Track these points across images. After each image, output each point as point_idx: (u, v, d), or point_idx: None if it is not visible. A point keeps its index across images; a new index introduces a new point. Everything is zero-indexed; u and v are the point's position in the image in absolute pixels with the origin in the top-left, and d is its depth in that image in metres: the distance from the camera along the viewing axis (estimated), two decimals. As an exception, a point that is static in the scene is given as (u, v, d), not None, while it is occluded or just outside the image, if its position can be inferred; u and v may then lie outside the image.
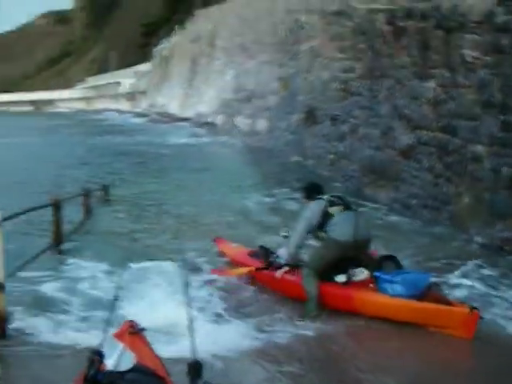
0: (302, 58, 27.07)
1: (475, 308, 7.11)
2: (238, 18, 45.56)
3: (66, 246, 11.85)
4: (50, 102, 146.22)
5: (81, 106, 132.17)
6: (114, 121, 76.26)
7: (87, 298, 8.87)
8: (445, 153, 13.61)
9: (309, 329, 7.59)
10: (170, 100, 71.35)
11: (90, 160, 30.74)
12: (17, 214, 9.03)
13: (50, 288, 9.24)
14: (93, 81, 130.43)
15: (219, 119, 46.28)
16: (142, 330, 5.03)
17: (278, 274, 8.61)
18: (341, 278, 8.05)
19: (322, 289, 8.05)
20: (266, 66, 35.98)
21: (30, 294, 8.94)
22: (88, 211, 14.35)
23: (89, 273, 10.03)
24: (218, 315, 8.05)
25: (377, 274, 7.85)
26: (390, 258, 8.22)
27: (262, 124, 34.32)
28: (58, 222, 10.80)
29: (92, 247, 12.07)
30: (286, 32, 30.95)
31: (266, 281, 9.00)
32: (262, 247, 9.72)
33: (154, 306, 7.74)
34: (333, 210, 8.21)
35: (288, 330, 7.60)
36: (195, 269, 10.00)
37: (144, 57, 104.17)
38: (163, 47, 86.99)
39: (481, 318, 7.18)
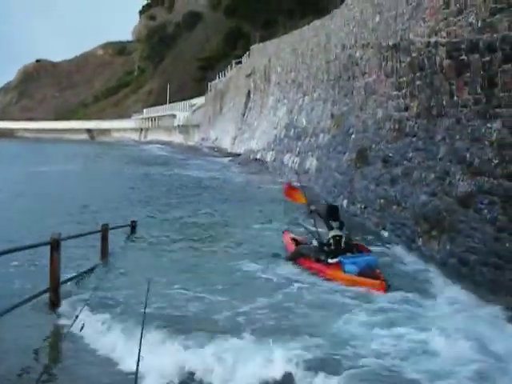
0: (356, 96, 25.64)
1: (384, 281, 12.18)
2: (293, 53, 44.52)
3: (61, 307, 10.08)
4: (105, 131, 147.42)
5: (135, 136, 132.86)
6: (162, 153, 75.97)
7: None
8: (510, 203, 11.89)
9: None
10: (223, 134, 70.66)
11: (130, 192, 29.64)
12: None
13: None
14: (148, 112, 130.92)
15: (269, 156, 45.06)
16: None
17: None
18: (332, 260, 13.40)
19: (315, 265, 13.72)
20: (319, 102, 34.75)
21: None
22: (104, 252, 12.73)
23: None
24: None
25: (341, 258, 13.17)
26: (363, 247, 14.05)
27: (311, 163, 32.94)
28: (54, 267, 9.16)
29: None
30: (341, 68, 29.63)
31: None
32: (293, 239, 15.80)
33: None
34: (332, 224, 13.95)
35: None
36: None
37: (200, 90, 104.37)
38: (218, 81, 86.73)
39: (388, 286, 12.09)
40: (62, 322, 9.41)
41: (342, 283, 12.62)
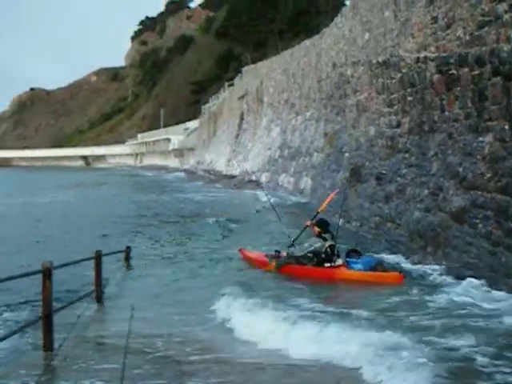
0: (348, 113, 25.57)
1: (401, 272, 13.35)
2: (285, 73, 44.56)
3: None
4: (101, 157, 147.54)
5: (130, 161, 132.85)
6: (157, 177, 75.94)
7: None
8: (504, 217, 11.76)
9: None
10: (217, 157, 70.58)
11: (128, 220, 29.34)
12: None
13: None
14: (143, 137, 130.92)
15: (264, 177, 44.96)
16: None
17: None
18: (337, 262, 14.33)
19: (318, 270, 14.37)
20: (312, 122, 34.70)
21: None
22: (97, 279, 12.45)
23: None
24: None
25: (347, 259, 14.39)
26: (355, 251, 14.88)
27: (305, 182, 32.83)
28: (46, 295, 8.93)
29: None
30: (332, 86, 29.60)
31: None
32: (276, 251, 15.84)
33: None
34: (326, 235, 14.71)
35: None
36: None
37: (194, 114, 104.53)
38: (212, 104, 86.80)
39: (404, 277, 13.02)
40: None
41: (356, 281, 13.45)
